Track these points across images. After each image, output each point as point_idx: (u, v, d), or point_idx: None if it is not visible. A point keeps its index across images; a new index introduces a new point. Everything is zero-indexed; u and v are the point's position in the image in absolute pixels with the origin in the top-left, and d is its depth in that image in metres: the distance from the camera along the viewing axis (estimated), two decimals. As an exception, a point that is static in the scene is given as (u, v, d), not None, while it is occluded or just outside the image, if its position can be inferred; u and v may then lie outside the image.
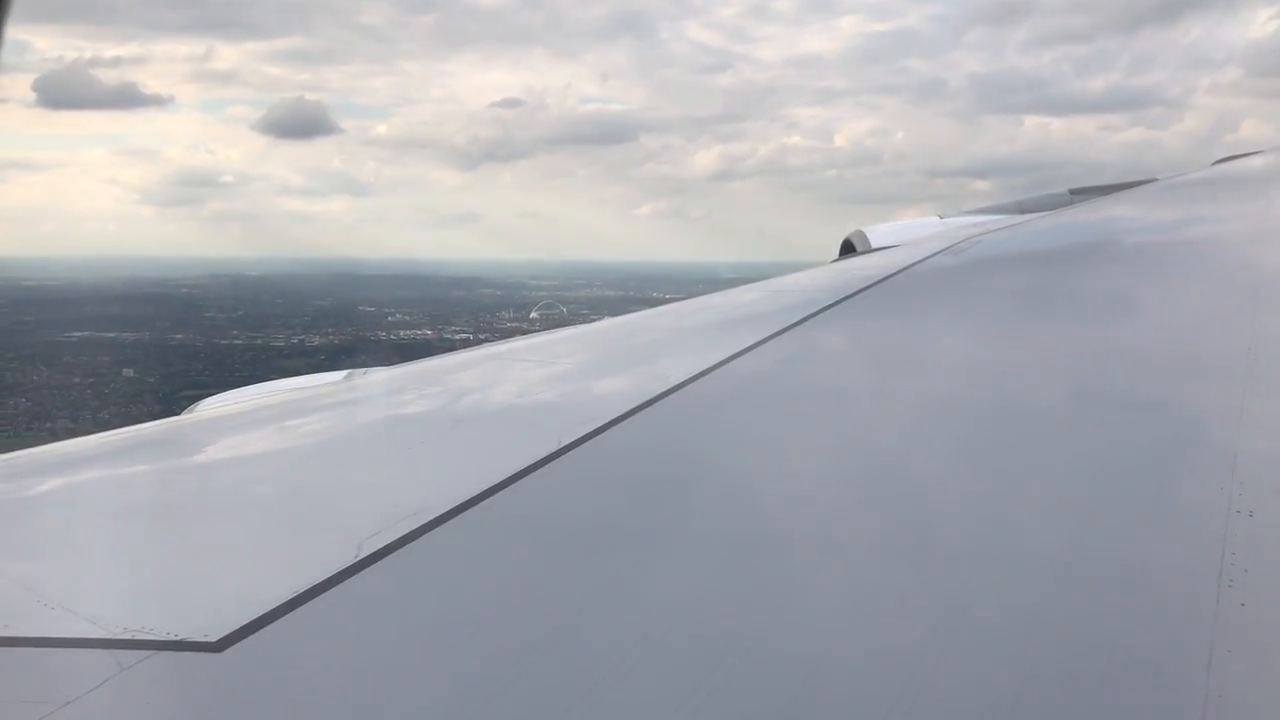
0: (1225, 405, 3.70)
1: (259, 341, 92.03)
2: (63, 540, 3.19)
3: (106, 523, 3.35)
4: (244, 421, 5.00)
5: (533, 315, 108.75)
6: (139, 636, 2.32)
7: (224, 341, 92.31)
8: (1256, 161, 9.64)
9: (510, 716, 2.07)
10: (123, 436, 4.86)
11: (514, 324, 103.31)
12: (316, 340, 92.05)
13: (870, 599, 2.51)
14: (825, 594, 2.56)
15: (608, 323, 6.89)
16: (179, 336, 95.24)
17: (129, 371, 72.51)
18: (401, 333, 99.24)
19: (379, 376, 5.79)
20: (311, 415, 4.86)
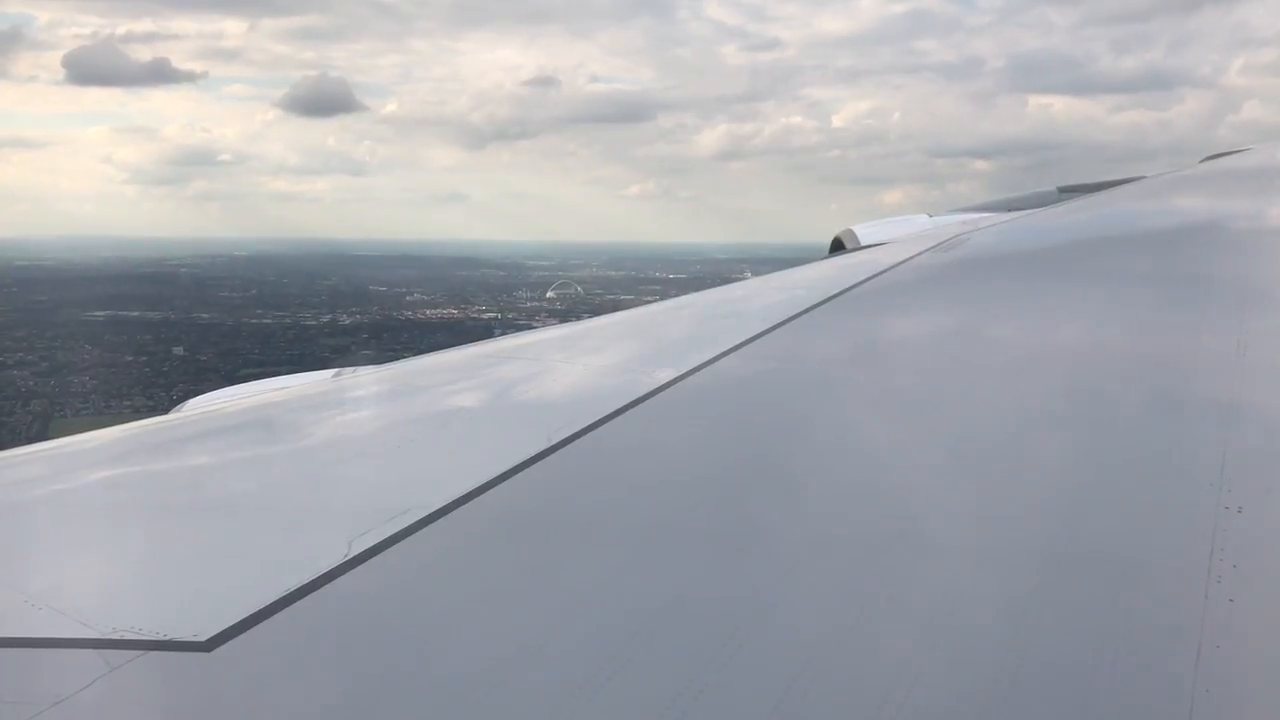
0: (1214, 401, 3.74)
1: (288, 320, 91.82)
2: (50, 540, 3.15)
3: (95, 522, 3.32)
4: (233, 420, 4.97)
5: (550, 294, 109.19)
6: (128, 636, 2.30)
7: (252, 321, 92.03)
8: (1244, 159, 9.73)
9: (502, 715, 2.08)
10: (111, 435, 4.85)
11: (533, 303, 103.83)
12: (347, 320, 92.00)
13: (859, 595, 2.53)
14: (817, 590, 2.58)
15: (594, 321, 6.76)
16: (205, 316, 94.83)
17: (179, 350, 72.38)
18: (428, 312, 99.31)
19: (367, 375, 5.77)
20: (301, 413, 4.83)
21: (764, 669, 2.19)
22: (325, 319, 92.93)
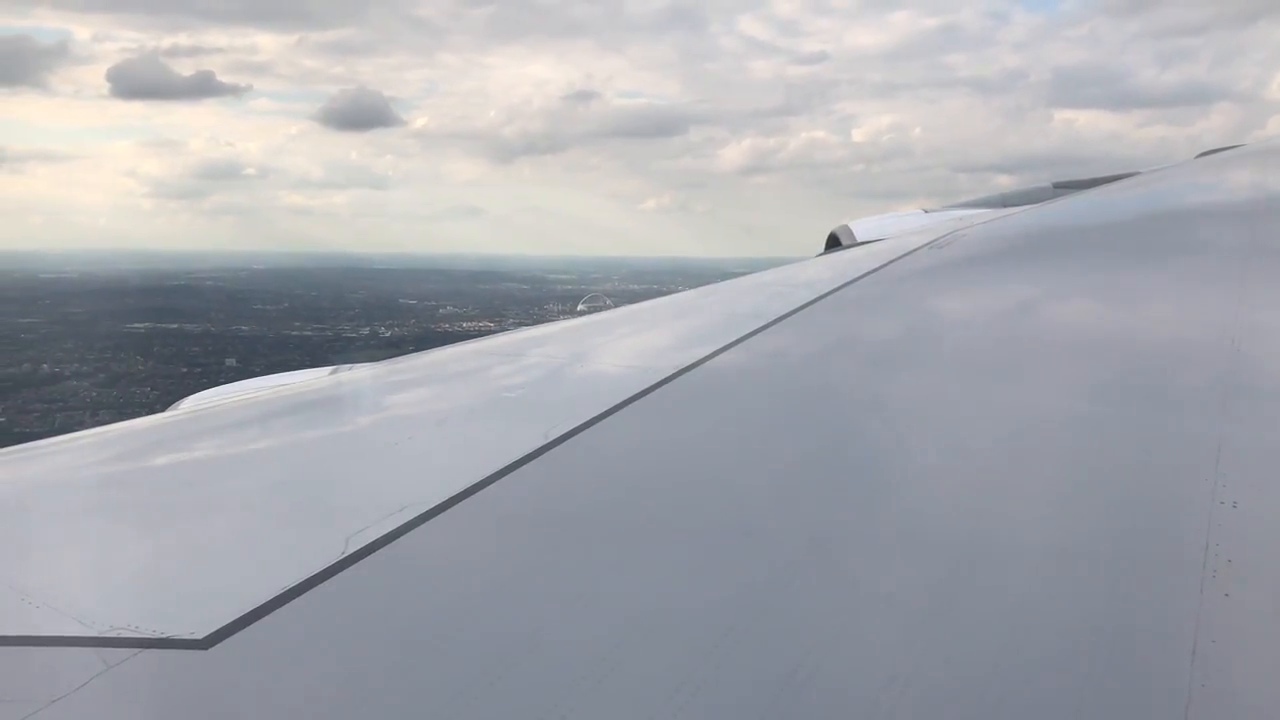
0: (1208, 396, 3.74)
1: (329, 333, 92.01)
2: (48, 538, 3.18)
3: (92, 520, 3.32)
4: (230, 417, 4.98)
5: (580, 307, 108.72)
6: (125, 634, 2.30)
7: (293, 333, 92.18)
8: (1238, 155, 9.71)
9: (498, 712, 2.08)
10: (108, 433, 4.89)
11: (565, 316, 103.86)
12: (386, 333, 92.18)
13: (857, 593, 2.54)
14: (813, 588, 2.57)
15: (587, 319, 6.78)
16: (245, 328, 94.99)
17: (231, 361, 72.47)
18: (464, 325, 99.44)
19: (365, 372, 5.76)
20: (298, 411, 4.84)
21: (762, 666, 2.20)
22: (365, 331, 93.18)
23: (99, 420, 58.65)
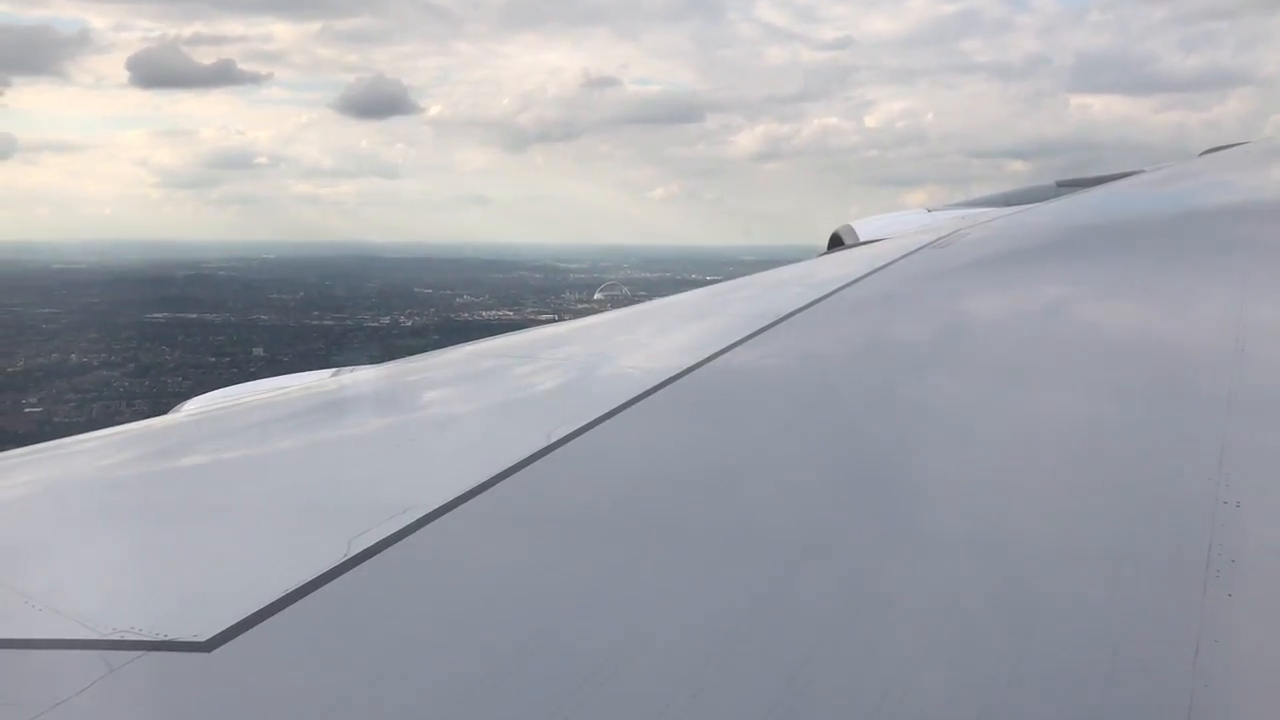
0: (1212, 395, 3.72)
1: (349, 322, 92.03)
2: (50, 540, 3.19)
3: (95, 522, 3.33)
4: (232, 420, 5.00)
5: (597, 296, 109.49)
6: (128, 637, 2.31)
7: (313, 323, 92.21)
8: (1241, 152, 9.80)
9: (501, 714, 2.09)
10: (110, 435, 4.91)
11: (583, 305, 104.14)
12: (407, 322, 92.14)
13: (859, 593, 2.53)
14: (815, 589, 2.57)
15: (588, 320, 6.86)
16: (264, 318, 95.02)
17: (259, 351, 72.58)
18: (484, 314, 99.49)
19: (366, 374, 5.84)
20: (299, 413, 4.85)
21: (766, 669, 2.19)
22: (385, 320, 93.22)
23: (135, 410, 58.75)
